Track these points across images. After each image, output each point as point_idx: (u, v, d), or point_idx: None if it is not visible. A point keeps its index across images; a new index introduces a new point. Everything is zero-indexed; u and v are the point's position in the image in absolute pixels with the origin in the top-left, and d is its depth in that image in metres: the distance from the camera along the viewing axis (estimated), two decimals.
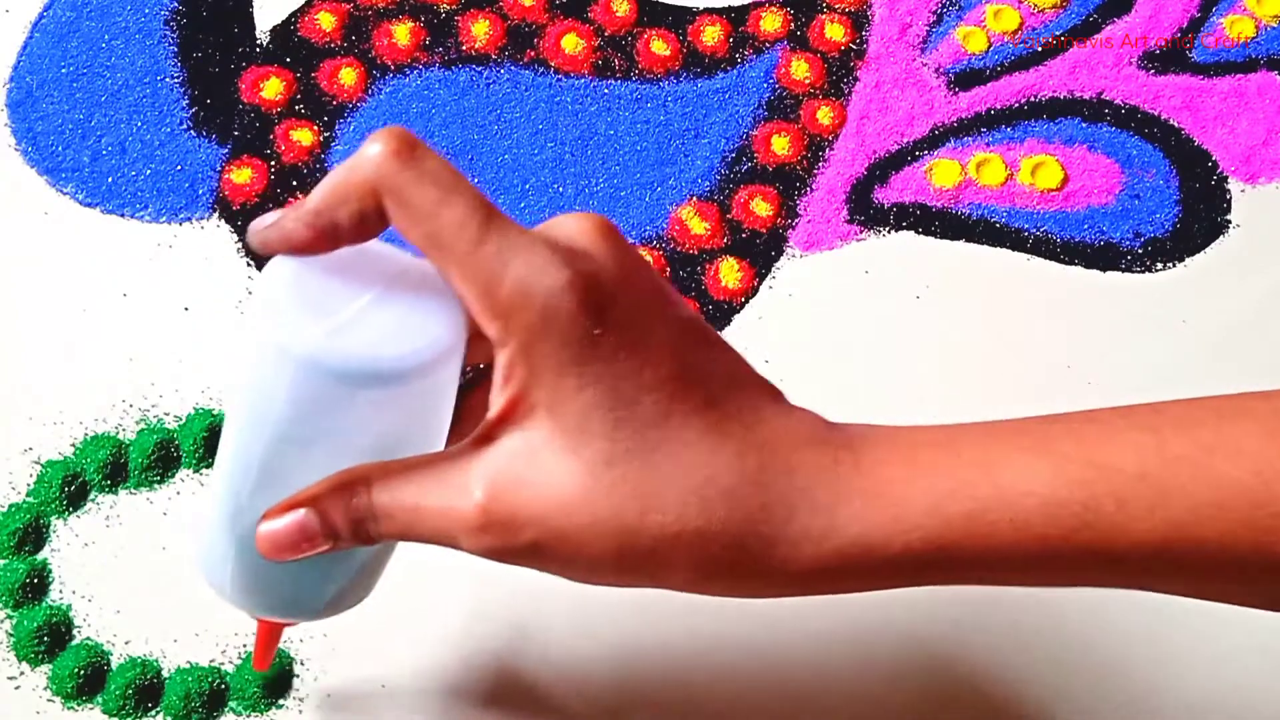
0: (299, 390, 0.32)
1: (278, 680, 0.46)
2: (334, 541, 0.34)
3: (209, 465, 0.49)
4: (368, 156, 0.32)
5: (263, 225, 0.33)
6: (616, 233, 0.33)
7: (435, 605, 0.47)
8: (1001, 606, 0.48)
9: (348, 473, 0.34)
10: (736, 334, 0.52)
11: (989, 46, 0.58)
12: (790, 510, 0.32)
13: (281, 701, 0.46)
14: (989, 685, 0.47)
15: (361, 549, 0.36)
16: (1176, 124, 0.57)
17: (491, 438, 0.33)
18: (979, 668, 0.47)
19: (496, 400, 0.32)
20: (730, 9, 0.58)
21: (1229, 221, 0.55)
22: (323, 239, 0.33)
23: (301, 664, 0.46)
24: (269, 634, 0.41)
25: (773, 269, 0.53)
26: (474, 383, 0.36)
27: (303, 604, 0.37)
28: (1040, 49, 0.58)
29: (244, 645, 0.47)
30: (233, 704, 0.46)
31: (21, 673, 0.46)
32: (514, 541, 0.33)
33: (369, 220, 0.32)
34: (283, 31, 0.57)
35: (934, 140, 0.56)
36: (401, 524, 0.33)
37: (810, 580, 0.33)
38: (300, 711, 0.46)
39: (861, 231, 0.54)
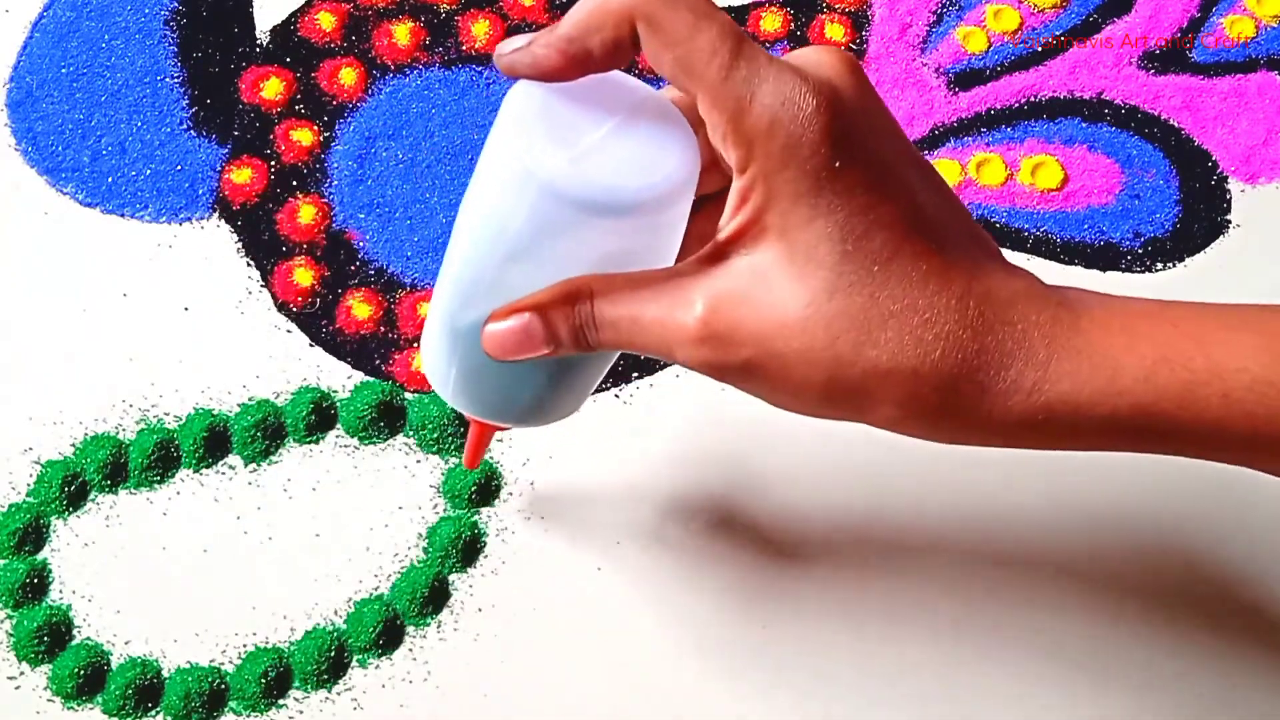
0: (538, 213, 0.33)
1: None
2: (554, 347, 0.35)
3: (209, 465, 0.49)
4: None
5: (510, 48, 0.34)
6: (862, 70, 0.34)
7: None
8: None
9: (572, 282, 0.35)
10: None
11: (989, 46, 0.58)
12: (1005, 359, 0.33)
13: (281, 702, 0.46)
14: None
15: (577, 361, 0.37)
16: (1176, 124, 0.57)
17: (719, 257, 0.34)
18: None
19: (728, 224, 0.33)
20: (730, 9, 0.58)
21: (1229, 221, 0.55)
22: (572, 65, 0.33)
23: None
24: (481, 435, 0.43)
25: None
26: (699, 209, 0.37)
27: (516, 408, 0.39)
28: (1040, 49, 0.58)
29: (244, 645, 0.47)
30: (233, 704, 0.46)
31: (21, 673, 0.46)
32: (729, 358, 0.34)
33: (621, 47, 0.33)
34: (283, 31, 0.57)
35: (934, 140, 0.56)
36: (622, 333, 0.35)
37: (1012, 431, 0.33)
38: (299, 713, 0.46)
39: None
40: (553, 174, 0.33)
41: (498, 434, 0.50)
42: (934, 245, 0.33)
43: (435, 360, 0.38)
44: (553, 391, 0.39)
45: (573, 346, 0.35)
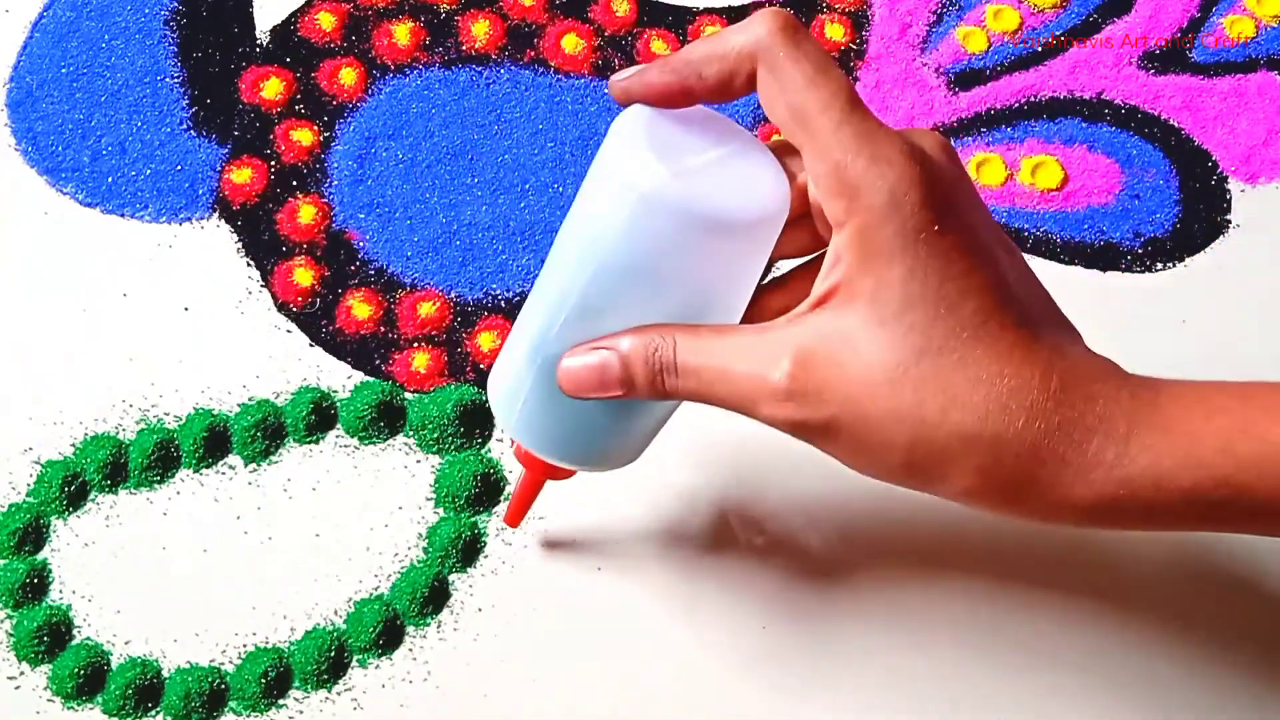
0: (637, 224, 0.34)
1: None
2: (628, 389, 0.36)
3: (209, 465, 0.49)
4: (753, 25, 0.34)
5: (624, 75, 0.36)
6: (956, 154, 0.35)
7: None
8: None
9: (656, 326, 0.36)
10: None
11: (989, 46, 0.58)
12: (1086, 434, 0.33)
13: (281, 702, 0.46)
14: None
15: (645, 408, 0.38)
16: (1176, 124, 0.57)
17: (812, 315, 0.34)
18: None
19: (822, 283, 0.34)
20: (730, 9, 0.58)
21: (1229, 221, 0.55)
22: (682, 91, 0.35)
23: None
24: (529, 490, 0.43)
25: (772, 269, 0.53)
26: (777, 285, 0.38)
27: (576, 450, 0.39)
28: (1040, 49, 0.58)
29: (244, 645, 0.47)
30: (233, 704, 0.46)
31: (21, 673, 0.46)
32: (813, 415, 0.34)
33: (734, 82, 0.34)
34: (283, 31, 0.57)
35: None
36: (703, 383, 0.35)
37: (1091, 507, 0.34)
38: (299, 713, 0.46)
39: None
40: (656, 184, 0.34)
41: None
42: (1020, 319, 0.34)
43: (507, 386, 0.39)
44: (616, 437, 0.39)
45: (648, 390, 0.36)
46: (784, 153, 0.37)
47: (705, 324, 0.36)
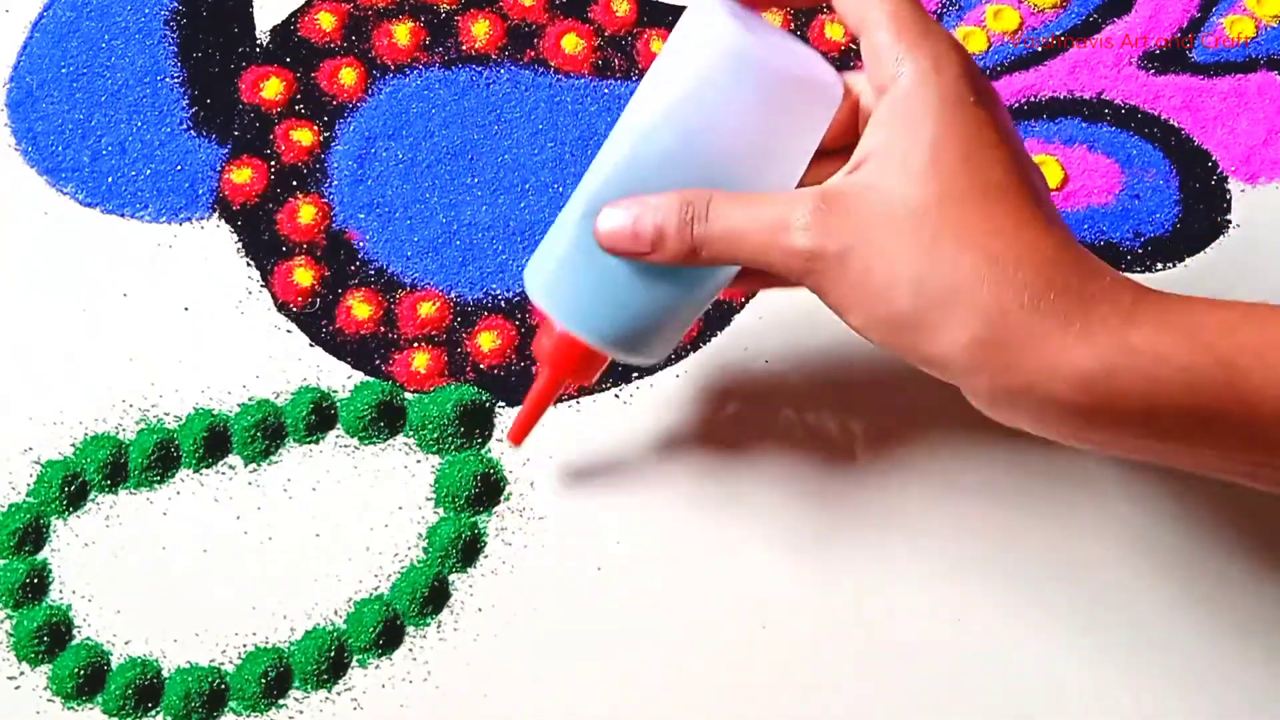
0: (710, 73, 0.37)
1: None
2: (659, 243, 0.38)
3: (209, 465, 0.49)
4: None
5: None
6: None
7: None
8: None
9: (691, 190, 0.38)
10: (736, 334, 0.52)
11: (989, 46, 0.58)
12: (1092, 299, 0.34)
13: (281, 702, 0.46)
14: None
15: (678, 288, 0.40)
16: (1176, 124, 0.57)
17: (838, 175, 0.37)
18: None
19: (856, 153, 0.36)
20: None
21: (1229, 221, 0.55)
22: None
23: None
24: (544, 398, 0.44)
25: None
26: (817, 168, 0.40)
27: (603, 322, 0.41)
28: (1040, 49, 0.58)
29: (244, 645, 0.47)
30: (233, 704, 0.46)
31: (21, 673, 0.46)
32: (829, 244, 0.35)
33: None
34: (283, 31, 0.57)
35: None
36: (730, 229, 0.37)
37: (1089, 380, 0.34)
38: (299, 713, 0.46)
39: None
40: (740, 41, 0.37)
41: (505, 439, 0.50)
42: (1038, 201, 0.35)
43: (547, 249, 0.41)
44: (645, 316, 0.40)
45: (676, 240, 0.37)
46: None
47: (742, 192, 0.38)
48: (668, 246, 0.38)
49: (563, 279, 0.40)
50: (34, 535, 0.48)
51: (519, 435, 0.45)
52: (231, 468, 0.49)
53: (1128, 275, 0.36)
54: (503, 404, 0.50)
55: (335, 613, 0.47)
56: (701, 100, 0.37)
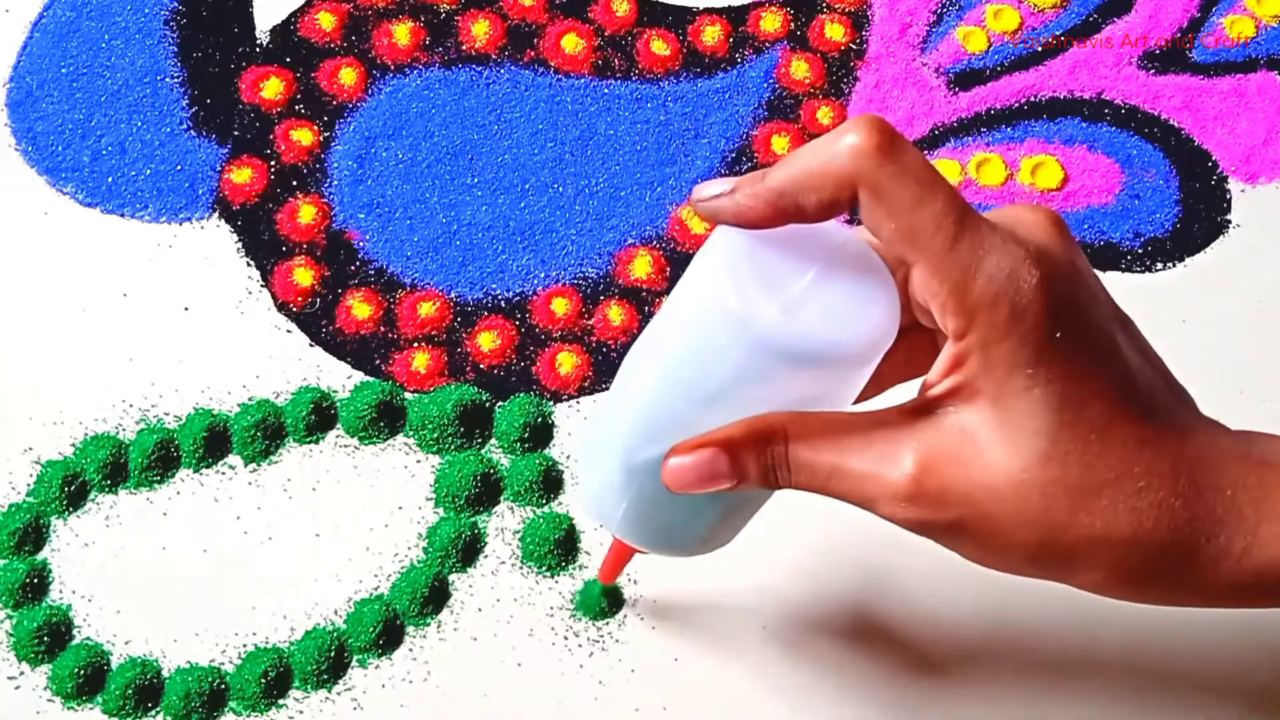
0: (745, 362, 0.33)
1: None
2: (738, 482, 0.35)
3: (209, 465, 0.49)
4: (848, 146, 0.32)
5: (710, 194, 0.34)
6: (1068, 229, 0.34)
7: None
8: None
9: (764, 420, 0.35)
10: None
11: (989, 46, 0.58)
12: (1215, 526, 0.33)
13: (281, 702, 0.46)
14: None
15: (747, 499, 0.38)
16: (1176, 124, 0.57)
17: (926, 413, 0.34)
18: None
19: (939, 383, 0.33)
20: (730, 9, 0.58)
21: (1229, 221, 0.55)
22: (779, 217, 0.33)
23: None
24: (624, 556, 0.43)
25: None
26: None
27: (680, 541, 0.39)
28: (1040, 49, 0.58)
29: (244, 645, 0.47)
30: (233, 704, 0.46)
31: (21, 673, 0.46)
32: (938, 516, 0.33)
33: (836, 208, 0.33)
34: (283, 31, 0.57)
35: (934, 140, 0.56)
36: (819, 479, 0.34)
37: (1219, 595, 0.34)
38: (299, 713, 0.46)
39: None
40: (765, 325, 0.33)
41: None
42: (1145, 412, 0.33)
43: (605, 493, 0.38)
44: (720, 525, 0.39)
45: (758, 484, 0.35)
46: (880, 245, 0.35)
47: (815, 414, 0.35)
48: (750, 484, 0.35)
49: (626, 518, 0.38)
50: (34, 535, 0.48)
51: (608, 580, 0.45)
52: (231, 468, 0.49)
53: (1246, 449, 0.34)
54: (501, 403, 0.51)
55: (335, 613, 0.47)
56: (736, 375, 0.34)
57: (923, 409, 0.34)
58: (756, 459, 0.35)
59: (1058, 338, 0.32)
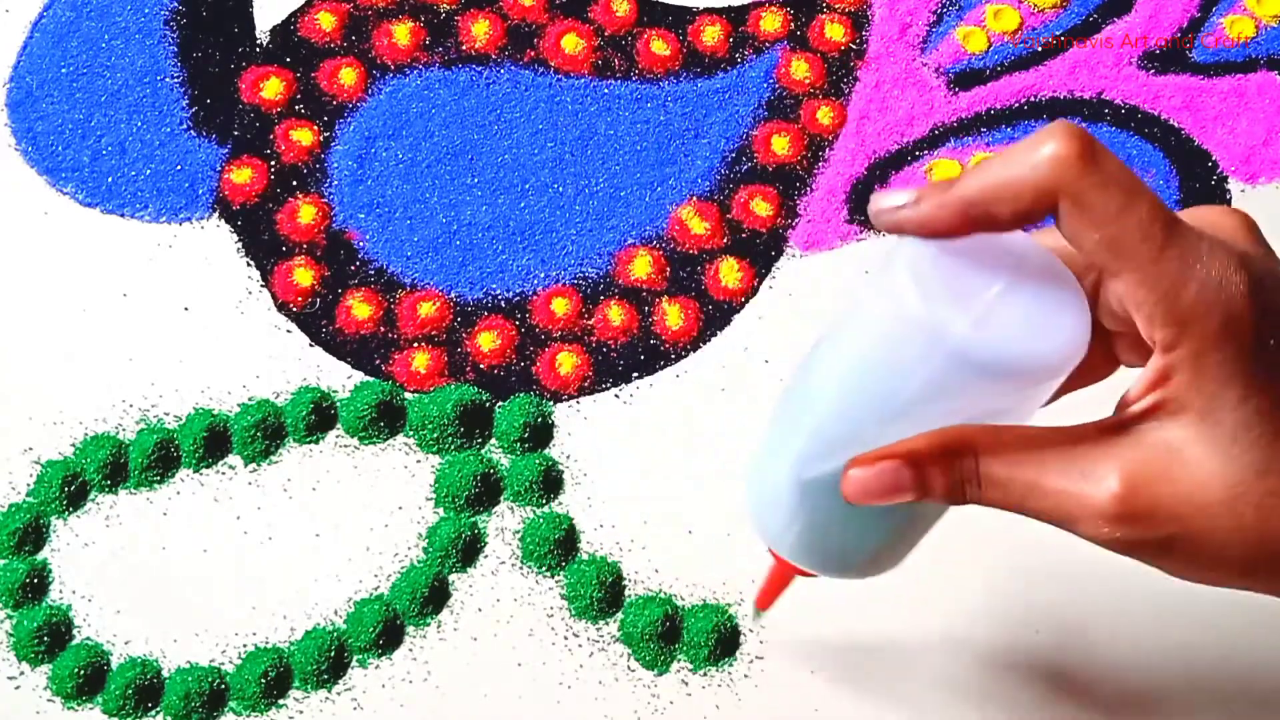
0: (935, 376, 0.32)
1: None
2: (922, 495, 0.34)
3: (209, 465, 0.49)
4: (1048, 155, 0.31)
5: (892, 204, 0.33)
6: (1259, 229, 0.34)
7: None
8: None
9: (952, 432, 0.33)
10: (736, 334, 0.52)
11: (989, 46, 0.58)
12: None
13: (281, 702, 0.46)
14: None
15: (926, 512, 0.36)
16: (1176, 124, 0.57)
17: (1127, 429, 0.33)
18: None
19: (1143, 397, 0.32)
20: (730, 9, 0.58)
21: None
22: (967, 227, 0.32)
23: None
24: (783, 581, 0.41)
25: (773, 269, 0.53)
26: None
27: (852, 561, 0.38)
28: (1040, 49, 0.58)
29: (244, 645, 0.47)
30: (233, 704, 0.46)
31: (21, 673, 0.46)
32: (1148, 535, 0.33)
33: (1032, 217, 0.32)
34: (283, 31, 0.57)
35: (934, 140, 0.56)
36: (1013, 495, 0.33)
37: None
38: (299, 713, 0.46)
39: (861, 231, 0.54)
40: (958, 339, 0.31)
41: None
42: None
43: (774, 512, 0.37)
44: (889, 546, 0.37)
45: (945, 498, 0.34)
46: (1065, 252, 0.34)
47: (1009, 428, 0.34)
48: (935, 498, 0.34)
49: (797, 539, 0.37)
50: (34, 535, 0.48)
51: (765, 606, 0.43)
52: (231, 468, 0.49)
53: None
54: (501, 403, 0.51)
55: (335, 613, 0.47)
56: (923, 389, 0.33)
57: (1123, 424, 0.33)
58: (943, 473, 0.33)
59: (1272, 345, 0.31)
